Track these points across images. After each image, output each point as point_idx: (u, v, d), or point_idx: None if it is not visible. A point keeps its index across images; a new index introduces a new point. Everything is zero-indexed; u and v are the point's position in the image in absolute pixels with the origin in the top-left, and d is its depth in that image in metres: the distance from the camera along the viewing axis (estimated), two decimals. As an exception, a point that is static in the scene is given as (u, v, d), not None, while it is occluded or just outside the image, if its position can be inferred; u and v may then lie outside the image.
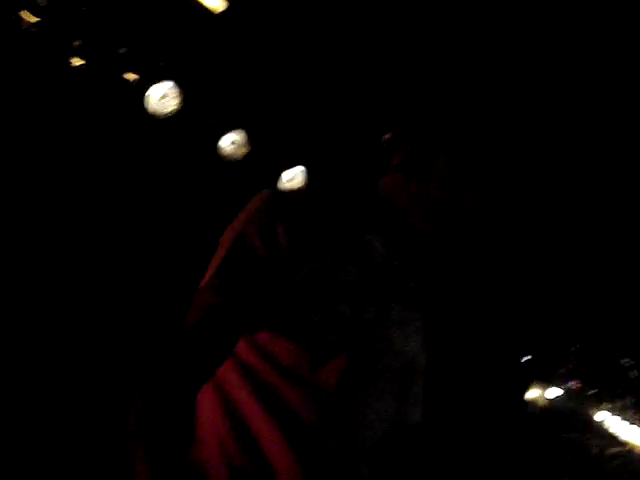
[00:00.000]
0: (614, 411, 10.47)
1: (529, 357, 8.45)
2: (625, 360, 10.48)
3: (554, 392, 9.23)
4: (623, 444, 10.50)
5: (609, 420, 10.33)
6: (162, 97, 3.82)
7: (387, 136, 1.21)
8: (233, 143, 4.13)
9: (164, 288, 3.89)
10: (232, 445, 1.10)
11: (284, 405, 1.09)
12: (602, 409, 10.21)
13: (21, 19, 3.37)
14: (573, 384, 9.56)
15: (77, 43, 3.58)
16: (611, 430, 10.33)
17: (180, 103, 3.86)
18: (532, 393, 8.81)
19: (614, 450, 10.26)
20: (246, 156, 4.14)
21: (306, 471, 1.07)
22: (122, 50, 3.71)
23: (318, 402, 1.12)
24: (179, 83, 3.87)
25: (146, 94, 3.81)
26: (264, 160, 4.25)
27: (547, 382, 9.07)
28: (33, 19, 3.40)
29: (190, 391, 1.09)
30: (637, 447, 10.72)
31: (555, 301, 8.38)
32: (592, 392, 9.97)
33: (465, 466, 6.30)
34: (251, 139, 4.15)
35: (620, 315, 9.99)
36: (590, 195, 5.62)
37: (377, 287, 1.15)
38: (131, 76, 3.81)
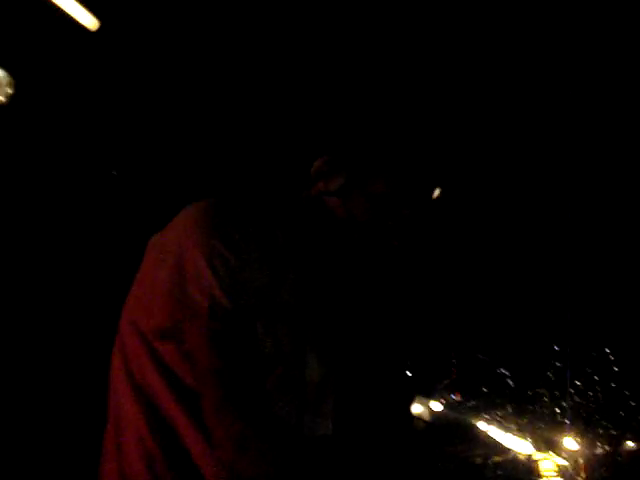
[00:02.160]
0: (495, 420, 10.87)
1: (410, 373, 8.68)
2: (501, 371, 10.92)
3: (436, 406, 9.52)
4: (505, 452, 10.91)
5: (491, 429, 10.72)
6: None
7: (321, 161, 1.21)
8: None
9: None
10: (152, 444, 1.12)
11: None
12: (483, 419, 10.59)
13: None
14: (454, 397, 9.88)
15: None
16: (493, 439, 10.72)
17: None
18: (415, 408, 9.03)
19: (497, 458, 10.64)
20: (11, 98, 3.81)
21: (227, 466, 1.08)
22: None
23: None
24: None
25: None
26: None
27: (429, 396, 9.34)
28: None
29: None
30: (518, 454, 11.15)
31: (434, 316, 8.67)
32: (473, 403, 10.34)
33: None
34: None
35: (496, 328, 10.41)
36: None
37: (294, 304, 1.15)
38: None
